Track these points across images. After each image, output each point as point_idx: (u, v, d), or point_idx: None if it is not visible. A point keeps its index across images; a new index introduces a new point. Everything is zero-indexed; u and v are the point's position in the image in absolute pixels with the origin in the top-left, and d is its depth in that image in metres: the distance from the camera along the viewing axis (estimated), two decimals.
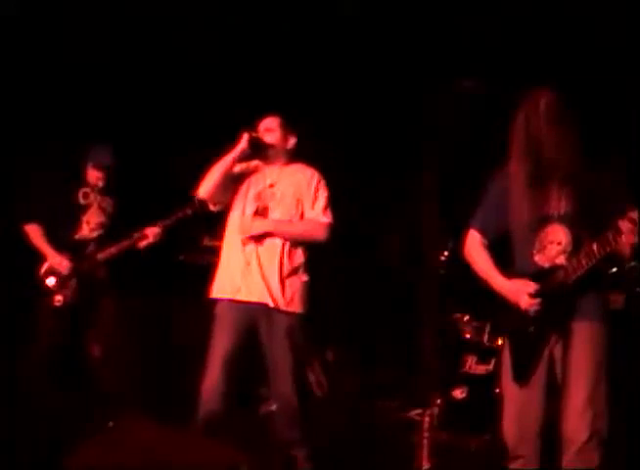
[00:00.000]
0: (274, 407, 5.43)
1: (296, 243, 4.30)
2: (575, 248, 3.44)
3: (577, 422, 3.40)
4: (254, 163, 4.42)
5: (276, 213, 4.32)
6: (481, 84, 4.59)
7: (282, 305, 4.24)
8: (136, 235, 5.14)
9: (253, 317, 4.27)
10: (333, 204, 4.36)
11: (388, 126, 5.93)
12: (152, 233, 5.12)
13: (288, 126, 4.42)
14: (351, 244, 5.93)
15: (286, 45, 5.83)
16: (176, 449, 3.60)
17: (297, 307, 4.28)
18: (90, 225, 5.17)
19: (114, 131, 5.44)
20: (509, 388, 3.58)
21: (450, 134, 4.47)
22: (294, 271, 4.29)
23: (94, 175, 5.19)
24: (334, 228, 4.33)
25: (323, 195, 4.34)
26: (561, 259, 3.47)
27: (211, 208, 4.50)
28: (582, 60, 5.27)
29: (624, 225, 3.28)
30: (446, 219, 4.61)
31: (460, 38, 5.47)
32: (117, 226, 5.19)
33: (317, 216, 4.32)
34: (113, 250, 5.13)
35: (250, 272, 4.25)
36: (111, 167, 5.17)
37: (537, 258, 3.53)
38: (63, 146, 5.45)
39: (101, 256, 5.14)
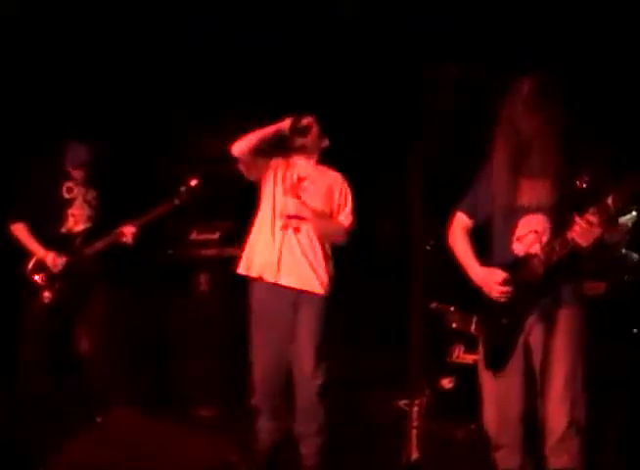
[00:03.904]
0: None
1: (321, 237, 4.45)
2: (554, 237, 3.44)
3: (556, 410, 3.43)
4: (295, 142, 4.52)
5: (305, 197, 4.44)
6: (468, 70, 4.59)
7: (319, 289, 4.36)
8: (114, 233, 5.11)
9: (292, 302, 4.36)
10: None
11: (373, 115, 5.95)
12: (129, 231, 5.09)
13: (322, 130, 4.57)
14: None
15: (276, 41, 5.87)
16: (167, 445, 3.62)
17: (328, 291, 4.40)
18: (75, 218, 5.14)
19: (98, 124, 5.43)
20: (485, 377, 3.61)
21: (436, 121, 4.46)
22: (327, 258, 4.45)
23: (74, 173, 5.18)
24: (352, 234, 4.52)
25: (349, 201, 4.55)
26: (536, 248, 3.48)
27: (246, 175, 4.55)
28: (573, 43, 5.27)
29: (580, 224, 3.29)
30: (433, 209, 4.59)
31: (450, 24, 5.49)
32: (104, 219, 5.16)
33: (344, 221, 4.51)
34: (99, 244, 5.11)
35: (287, 257, 4.36)
36: (87, 165, 5.16)
37: (515, 246, 3.53)
38: (45, 140, 5.44)
39: (88, 250, 5.11)
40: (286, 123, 4.43)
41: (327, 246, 4.48)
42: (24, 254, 5.12)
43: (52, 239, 5.12)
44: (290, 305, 4.35)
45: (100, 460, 3.51)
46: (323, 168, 4.59)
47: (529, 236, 3.49)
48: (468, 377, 5.03)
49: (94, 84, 5.86)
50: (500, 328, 3.53)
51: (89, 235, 5.15)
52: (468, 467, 4.49)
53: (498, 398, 3.55)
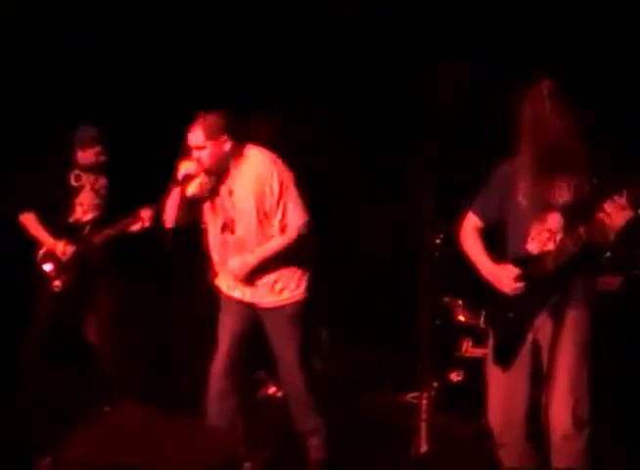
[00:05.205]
0: (271, 391, 5.47)
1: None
2: (566, 234, 3.44)
3: (560, 409, 3.44)
4: (201, 178, 4.26)
5: (241, 227, 4.20)
6: (469, 70, 4.59)
7: (275, 302, 4.25)
8: (130, 217, 5.08)
9: (254, 311, 4.30)
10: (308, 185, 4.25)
11: (374, 115, 5.95)
12: (146, 216, 5.05)
13: (216, 131, 4.11)
14: (346, 225, 5.95)
15: (276, 42, 5.87)
16: (173, 437, 3.61)
17: (293, 297, 4.26)
18: (83, 207, 5.11)
19: (104, 113, 5.41)
20: (493, 373, 3.62)
21: (445, 118, 4.47)
22: (280, 264, 4.23)
23: (84, 156, 5.09)
24: (309, 220, 4.19)
25: (286, 196, 4.14)
26: (550, 246, 3.47)
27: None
28: (573, 43, 5.27)
29: (605, 215, 3.28)
30: (442, 202, 4.61)
31: (447, 22, 5.49)
32: (112, 208, 5.12)
33: (290, 221, 4.16)
34: (109, 232, 5.08)
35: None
36: (99, 143, 5.07)
37: (530, 246, 3.53)
38: (50, 129, 5.43)
39: (97, 238, 5.09)
40: (176, 192, 4.21)
41: (283, 256, 4.19)
42: (33, 245, 5.12)
43: (60, 229, 5.10)
44: (250, 311, 4.29)
45: (100, 460, 3.49)
46: (248, 164, 4.16)
47: (543, 234, 3.49)
48: (476, 371, 5.04)
49: (93, 83, 5.85)
50: (507, 323, 3.54)
51: (97, 224, 5.13)
52: (476, 460, 4.49)
53: (504, 394, 3.57)
